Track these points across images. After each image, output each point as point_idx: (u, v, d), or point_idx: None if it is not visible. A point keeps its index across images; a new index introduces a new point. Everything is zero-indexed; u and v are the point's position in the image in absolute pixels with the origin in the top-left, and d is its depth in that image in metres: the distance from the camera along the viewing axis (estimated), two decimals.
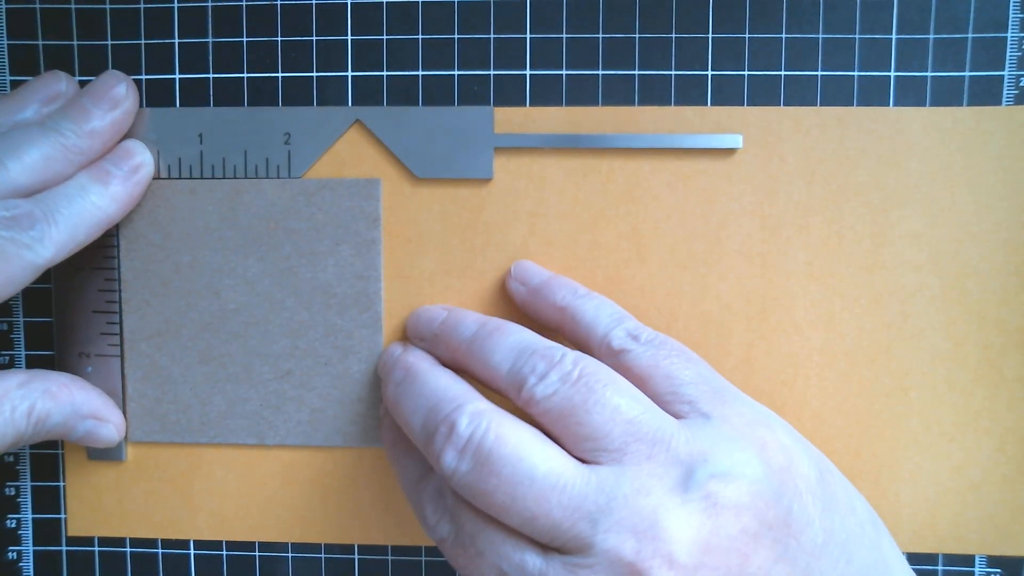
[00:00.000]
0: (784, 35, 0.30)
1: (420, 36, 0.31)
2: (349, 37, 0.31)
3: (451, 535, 0.26)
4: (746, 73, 0.31)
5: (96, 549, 0.33)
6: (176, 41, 0.32)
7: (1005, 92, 0.30)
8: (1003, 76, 0.30)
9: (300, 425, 0.32)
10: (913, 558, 0.31)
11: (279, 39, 0.31)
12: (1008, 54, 0.30)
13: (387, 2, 0.31)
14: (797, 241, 0.31)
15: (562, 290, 0.29)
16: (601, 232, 0.31)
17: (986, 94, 0.30)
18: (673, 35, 0.31)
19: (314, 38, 0.31)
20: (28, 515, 0.33)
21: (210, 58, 0.32)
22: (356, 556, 0.33)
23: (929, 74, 0.30)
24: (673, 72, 0.31)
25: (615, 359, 0.27)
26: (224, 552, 0.33)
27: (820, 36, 0.30)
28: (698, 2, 0.31)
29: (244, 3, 0.31)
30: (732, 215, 0.31)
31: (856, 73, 0.30)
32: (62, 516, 0.33)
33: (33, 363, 0.33)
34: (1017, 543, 0.31)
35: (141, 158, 0.31)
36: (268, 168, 0.31)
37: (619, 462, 0.24)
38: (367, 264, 0.32)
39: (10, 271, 0.27)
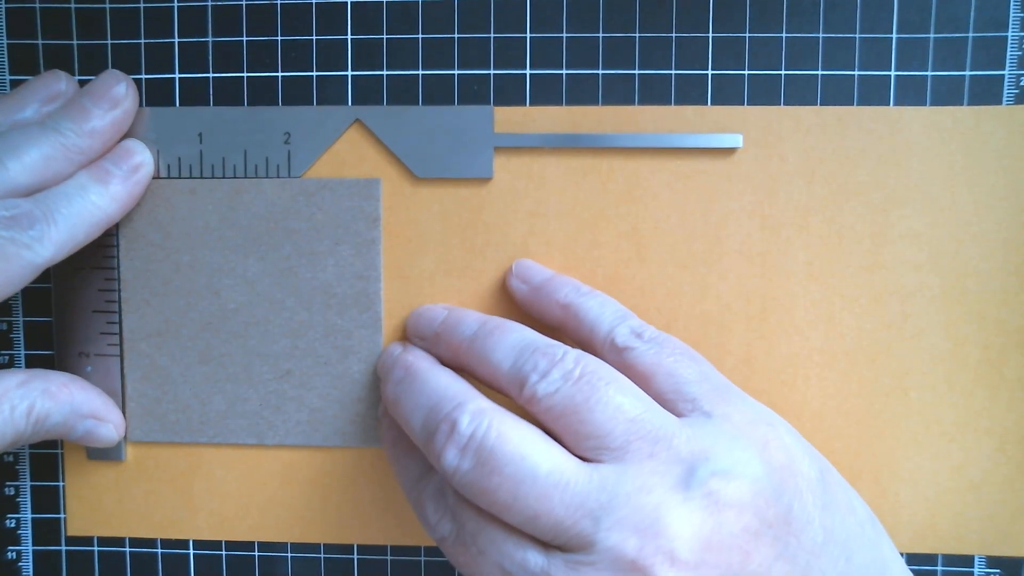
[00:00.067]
0: (784, 35, 0.30)
1: (420, 36, 0.31)
2: (349, 37, 0.31)
3: (452, 534, 0.26)
4: (746, 73, 0.31)
5: (96, 549, 0.33)
6: (176, 41, 0.32)
7: (1005, 92, 0.30)
8: (1003, 76, 0.30)
9: (300, 425, 0.32)
10: (913, 558, 0.31)
11: (279, 39, 0.31)
12: (1008, 54, 0.30)
13: (387, 2, 0.31)
14: (797, 241, 0.31)
15: (565, 288, 0.29)
16: (601, 232, 0.31)
17: (986, 94, 0.30)
18: (673, 35, 0.31)
19: (314, 38, 0.31)
20: (28, 515, 0.33)
21: (210, 58, 0.32)
22: (356, 556, 0.33)
23: (929, 74, 0.30)
24: (673, 72, 0.31)
25: (619, 356, 0.27)
26: (224, 552, 0.33)
27: (820, 36, 0.30)
28: (698, 2, 0.31)
29: (244, 3, 0.31)
30: (732, 215, 0.31)
31: (856, 73, 0.30)
32: (62, 516, 0.33)
33: (33, 363, 0.33)
34: (1017, 543, 0.31)
35: (141, 158, 0.31)
36: (268, 168, 0.31)
37: (621, 460, 0.24)
38: (367, 264, 0.32)
39: (10, 271, 0.27)
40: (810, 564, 0.24)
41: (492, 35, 0.31)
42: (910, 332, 0.31)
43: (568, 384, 0.25)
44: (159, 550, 0.33)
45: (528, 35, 0.31)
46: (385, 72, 0.31)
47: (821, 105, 0.30)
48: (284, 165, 0.31)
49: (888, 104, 0.30)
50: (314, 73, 0.31)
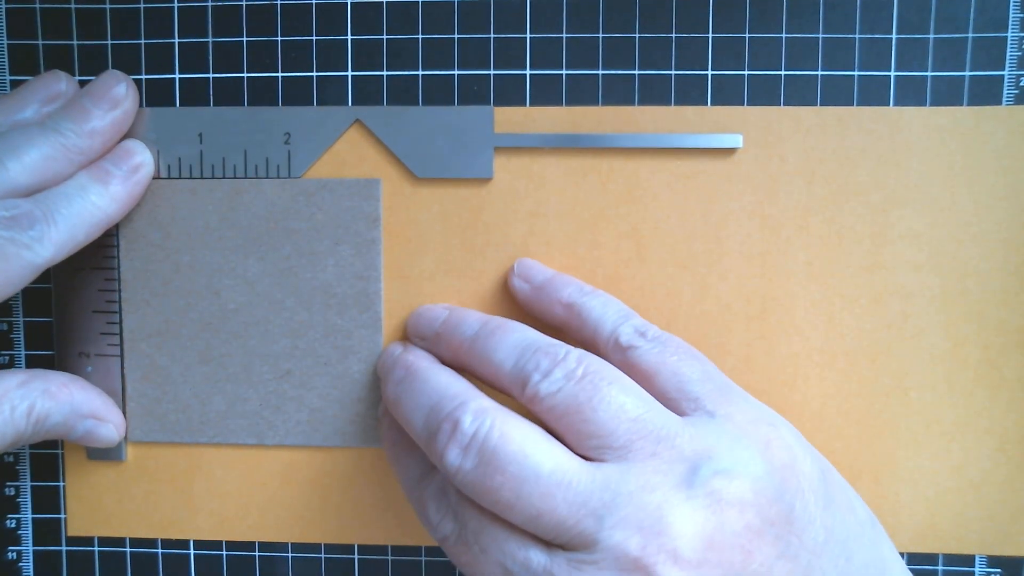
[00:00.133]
0: (784, 35, 0.30)
1: (420, 36, 0.31)
2: (349, 37, 0.31)
3: (454, 533, 0.26)
4: (746, 73, 0.31)
5: (96, 549, 0.33)
6: (176, 41, 0.32)
7: (1005, 92, 0.30)
8: (1003, 76, 0.30)
9: (300, 425, 0.32)
10: (913, 558, 0.32)
11: (279, 39, 0.31)
12: (1008, 54, 0.30)
13: (387, 2, 0.31)
14: (797, 241, 0.31)
15: (568, 287, 0.29)
16: (601, 232, 0.31)
17: (986, 94, 0.30)
18: (673, 35, 0.31)
19: (314, 38, 0.31)
20: (28, 515, 0.33)
21: (210, 58, 0.32)
22: (356, 556, 0.33)
23: (929, 74, 0.30)
24: (673, 72, 0.31)
25: (622, 355, 0.27)
26: (224, 552, 0.33)
27: (820, 36, 0.30)
28: (698, 2, 0.31)
29: (244, 3, 0.31)
30: (732, 215, 0.31)
31: (856, 73, 0.30)
32: (62, 516, 0.33)
33: (33, 363, 0.33)
34: (1017, 543, 0.31)
35: (141, 158, 0.31)
36: (268, 168, 0.31)
37: (624, 459, 0.24)
38: (367, 264, 0.32)
39: (10, 271, 0.27)
40: (811, 563, 0.24)
41: (492, 35, 0.31)
42: (910, 332, 0.31)
43: (571, 383, 0.25)
44: (159, 550, 0.33)
45: (528, 35, 0.31)
46: (385, 72, 0.31)
47: (821, 105, 0.30)
48: (284, 165, 0.31)
49: (888, 104, 0.30)
50: (314, 73, 0.31)
